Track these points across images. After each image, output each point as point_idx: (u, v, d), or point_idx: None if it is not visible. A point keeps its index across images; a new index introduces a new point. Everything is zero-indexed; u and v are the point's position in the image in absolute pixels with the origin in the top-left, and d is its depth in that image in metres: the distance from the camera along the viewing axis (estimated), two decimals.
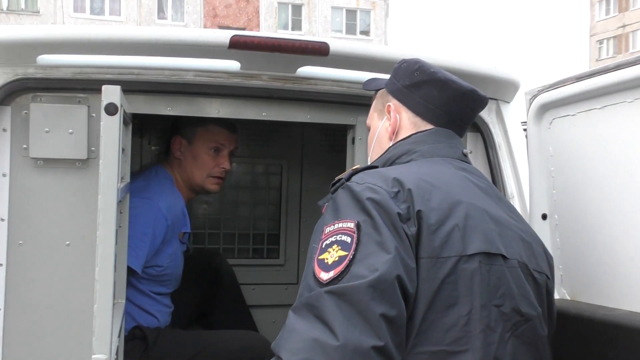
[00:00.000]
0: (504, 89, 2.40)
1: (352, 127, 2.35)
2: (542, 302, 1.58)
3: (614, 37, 46.63)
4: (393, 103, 1.75)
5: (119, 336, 1.97)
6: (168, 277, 2.75)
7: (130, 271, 2.45)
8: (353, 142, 2.35)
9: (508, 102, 2.47)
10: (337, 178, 1.56)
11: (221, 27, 32.20)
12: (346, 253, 1.36)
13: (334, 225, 1.42)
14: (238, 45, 2.06)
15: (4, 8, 31.16)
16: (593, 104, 1.93)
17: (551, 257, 1.69)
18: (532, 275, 1.56)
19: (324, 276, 1.35)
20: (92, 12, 32.45)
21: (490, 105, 2.42)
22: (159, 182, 2.73)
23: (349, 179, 1.51)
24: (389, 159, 1.68)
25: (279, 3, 35.13)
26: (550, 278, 1.63)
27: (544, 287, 1.59)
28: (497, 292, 1.46)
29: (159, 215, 2.60)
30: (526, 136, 2.20)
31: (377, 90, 1.88)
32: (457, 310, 1.40)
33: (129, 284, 2.46)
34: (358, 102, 2.29)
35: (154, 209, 2.60)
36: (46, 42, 2.04)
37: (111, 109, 1.69)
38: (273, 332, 3.02)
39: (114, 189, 1.70)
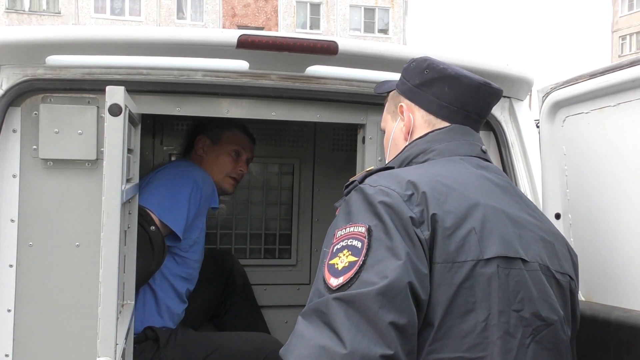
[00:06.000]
0: (517, 86, 2.36)
1: (362, 126, 2.33)
2: (565, 304, 1.54)
3: (638, 32, 45.92)
4: (405, 103, 1.73)
5: (126, 338, 1.96)
6: (195, 257, 2.81)
7: (171, 239, 2.60)
8: (363, 141, 2.33)
9: (521, 100, 2.43)
10: (350, 180, 1.53)
11: (240, 26, 32.29)
12: (356, 259, 1.34)
13: (345, 229, 1.40)
14: (246, 45, 2.05)
15: (26, 9, 31.52)
16: (607, 102, 1.89)
17: (575, 255, 1.65)
18: (554, 277, 1.52)
19: (334, 282, 1.33)
20: (113, 12, 32.71)
21: (503, 103, 2.38)
22: (190, 163, 2.87)
23: (362, 181, 1.49)
24: (406, 159, 1.66)
25: (297, 2, 35.13)
26: (573, 279, 1.60)
27: (567, 288, 1.56)
28: (516, 297, 1.42)
29: (195, 185, 2.68)
30: (539, 134, 2.17)
31: (389, 93, 1.86)
32: (475, 316, 1.37)
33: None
34: (368, 101, 2.27)
35: (191, 180, 2.69)
36: (55, 43, 2.04)
37: (115, 110, 1.68)
38: (285, 332, 3.02)
39: (117, 190, 1.69)
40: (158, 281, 2.70)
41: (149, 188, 2.59)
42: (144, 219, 2.45)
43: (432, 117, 1.68)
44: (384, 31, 36.29)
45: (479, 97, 1.66)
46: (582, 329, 1.68)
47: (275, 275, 3.53)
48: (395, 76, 1.86)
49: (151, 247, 2.45)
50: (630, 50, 45.77)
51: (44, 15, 31.57)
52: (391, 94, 1.82)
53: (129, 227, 2.18)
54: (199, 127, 2.98)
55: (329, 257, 1.39)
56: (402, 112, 1.73)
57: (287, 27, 33.93)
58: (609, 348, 1.84)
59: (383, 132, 1.86)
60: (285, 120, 2.34)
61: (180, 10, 33.54)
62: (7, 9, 31.09)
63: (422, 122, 1.69)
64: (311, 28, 34.85)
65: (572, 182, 2.06)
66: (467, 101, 1.66)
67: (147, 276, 2.53)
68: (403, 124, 1.73)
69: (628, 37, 46.98)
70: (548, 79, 2.11)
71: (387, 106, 1.84)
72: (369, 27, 36.18)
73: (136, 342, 2.57)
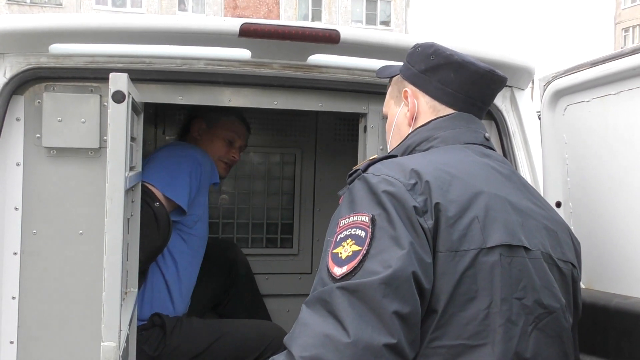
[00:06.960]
0: (518, 75, 2.37)
1: (363, 115, 2.34)
2: (567, 292, 1.55)
3: None
4: (410, 88, 1.72)
5: (129, 324, 1.98)
6: (200, 233, 2.83)
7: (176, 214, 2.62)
8: (365, 130, 2.34)
9: (523, 90, 2.43)
10: (354, 168, 1.53)
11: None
12: (360, 248, 1.34)
13: (348, 218, 1.40)
14: (248, 33, 2.05)
15: (27, 1, 31.45)
16: (608, 90, 1.89)
17: (578, 243, 1.66)
18: (556, 265, 1.52)
19: (337, 271, 1.33)
20: (114, 4, 32.62)
21: (505, 92, 2.39)
22: (187, 144, 2.90)
23: (365, 169, 1.49)
24: (409, 147, 1.65)
25: None
26: (576, 266, 1.60)
27: (569, 276, 1.56)
28: (519, 285, 1.43)
29: (195, 161, 2.70)
30: (540, 123, 2.17)
31: (391, 78, 1.85)
32: (477, 304, 1.38)
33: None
34: (370, 90, 2.28)
35: (190, 156, 2.71)
36: (58, 31, 2.05)
37: (118, 97, 1.69)
38: (287, 321, 3.05)
39: (121, 176, 1.70)
40: (168, 262, 2.73)
41: (150, 166, 2.62)
42: (147, 195, 2.47)
43: (436, 103, 1.68)
44: (386, 23, 36.15)
45: (484, 84, 1.66)
46: (583, 316, 1.69)
47: (277, 264, 3.55)
48: (399, 64, 1.86)
49: (156, 223, 2.47)
50: (632, 43, 45.55)
51: (45, 6, 31.48)
52: (394, 79, 1.81)
53: (132, 215, 2.20)
54: (196, 110, 3.00)
55: (332, 246, 1.39)
56: (406, 98, 1.72)
57: (289, 19, 33.80)
58: (609, 335, 1.86)
59: (385, 117, 1.85)
60: (287, 109, 2.35)
61: (181, 2, 33.41)
62: (8, 0, 31.02)
63: (427, 107, 1.69)
64: (313, 20, 34.72)
65: (573, 170, 2.07)
66: (472, 88, 1.65)
67: (154, 253, 2.55)
68: (407, 110, 1.72)
69: (631, 29, 46.79)
70: (550, 70, 2.10)
71: (390, 91, 1.83)
72: (370, 19, 36.04)
73: (143, 328, 2.59)
